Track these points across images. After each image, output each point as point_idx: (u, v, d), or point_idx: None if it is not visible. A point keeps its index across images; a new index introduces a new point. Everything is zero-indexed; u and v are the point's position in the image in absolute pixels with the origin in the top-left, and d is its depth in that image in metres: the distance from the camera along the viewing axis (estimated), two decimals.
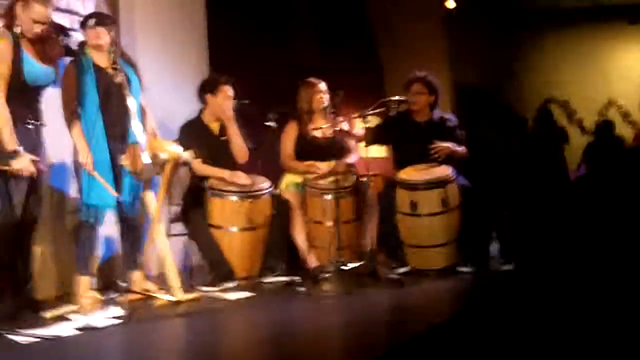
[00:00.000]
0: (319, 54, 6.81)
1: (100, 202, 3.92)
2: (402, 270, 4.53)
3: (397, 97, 4.73)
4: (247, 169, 4.63)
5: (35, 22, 3.59)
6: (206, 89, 4.62)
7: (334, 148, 4.57)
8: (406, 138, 4.83)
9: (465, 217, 4.60)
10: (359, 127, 4.59)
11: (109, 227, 4.19)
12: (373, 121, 4.78)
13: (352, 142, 4.96)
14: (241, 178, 4.49)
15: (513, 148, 6.18)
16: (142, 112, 4.05)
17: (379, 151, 5.51)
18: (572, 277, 4.27)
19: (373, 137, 4.89)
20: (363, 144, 4.64)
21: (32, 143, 3.64)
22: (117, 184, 3.87)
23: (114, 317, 3.44)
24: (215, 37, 5.68)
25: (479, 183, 4.78)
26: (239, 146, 4.59)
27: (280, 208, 4.56)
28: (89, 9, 4.61)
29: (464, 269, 4.55)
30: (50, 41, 3.70)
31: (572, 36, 8.78)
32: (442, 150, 4.66)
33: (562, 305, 3.55)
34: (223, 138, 4.62)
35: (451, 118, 4.95)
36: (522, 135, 6.66)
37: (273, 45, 6.29)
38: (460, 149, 4.76)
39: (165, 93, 5.02)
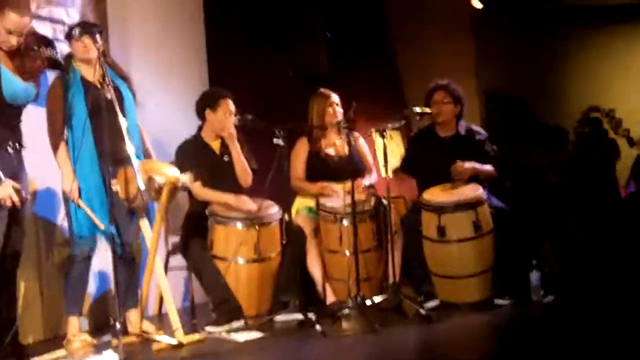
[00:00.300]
0: (331, 62, 6.85)
1: (89, 233, 3.97)
2: (430, 304, 4.54)
3: (418, 109, 4.78)
4: (253, 192, 4.66)
5: (10, 32, 3.60)
6: (205, 103, 4.68)
7: (349, 167, 4.57)
8: (430, 155, 4.89)
9: (500, 243, 4.62)
10: (377, 142, 4.61)
11: (101, 261, 4.23)
12: (394, 137, 4.79)
13: (370, 160, 5.02)
14: (247, 203, 4.53)
15: (552, 164, 6.18)
16: (136, 131, 4.11)
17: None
18: (623, 311, 4.22)
19: (401, 170, 5.02)
20: (382, 161, 4.68)
21: (13, 169, 3.69)
22: (109, 212, 3.85)
23: None
24: (214, 46, 5.75)
25: (515, 204, 4.79)
26: (243, 167, 4.65)
27: (292, 236, 4.59)
28: (74, 17, 4.67)
29: (500, 302, 4.56)
30: (30, 53, 3.73)
31: (616, 36, 8.75)
32: (464, 172, 4.68)
33: (611, 343, 3.50)
34: (225, 158, 4.68)
35: (479, 131, 5.00)
36: (562, 148, 6.65)
37: (279, 54, 6.33)
38: (486, 167, 4.79)
39: (161, 109, 5.10)
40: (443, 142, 4.93)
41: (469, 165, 4.70)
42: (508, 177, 5.13)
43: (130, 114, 4.05)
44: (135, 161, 3.74)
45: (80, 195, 3.94)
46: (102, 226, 3.90)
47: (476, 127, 5.07)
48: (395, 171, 5.06)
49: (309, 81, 5.98)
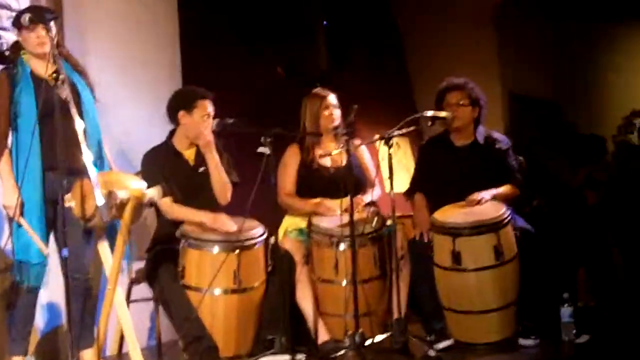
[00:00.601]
0: (329, 58, 6.87)
1: (36, 258, 3.96)
2: (442, 344, 4.54)
3: (430, 113, 4.80)
4: (233, 210, 4.64)
5: None
6: (179, 104, 4.67)
7: (348, 180, 4.55)
8: (444, 167, 4.93)
9: (525, 272, 4.62)
10: (382, 152, 4.63)
11: (52, 291, 4.26)
12: (401, 145, 4.80)
13: (372, 173, 5.04)
14: (225, 223, 4.51)
15: (588, 177, 6.21)
16: (96, 137, 4.12)
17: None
18: None
19: (411, 188, 5.07)
20: (387, 173, 4.67)
21: None
22: (59, 232, 3.87)
23: None
24: (190, 35, 5.75)
25: (544, 225, 4.82)
26: (221, 180, 4.64)
27: (279, 262, 4.57)
28: (24, 3, 4.67)
29: (526, 342, 4.55)
30: None
31: None
32: (479, 202, 4.72)
33: None
34: (201, 170, 4.67)
35: (501, 139, 5.02)
36: (600, 160, 6.66)
37: (267, 47, 6.35)
38: (506, 189, 4.80)
39: (125, 110, 5.10)
40: (458, 151, 4.96)
41: (486, 196, 4.72)
42: (536, 194, 5.09)
43: (88, 117, 4.05)
44: (93, 172, 3.72)
45: (22, 213, 3.94)
46: (45, 250, 3.91)
47: (498, 135, 5.08)
48: (406, 194, 5.11)
49: (302, 79, 6.03)
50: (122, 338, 4.62)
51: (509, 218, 4.64)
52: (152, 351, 4.76)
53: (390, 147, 4.56)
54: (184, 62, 5.66)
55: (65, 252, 3.74)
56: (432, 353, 4.28)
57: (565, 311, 4.58)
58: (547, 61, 8.09)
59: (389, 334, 4.41)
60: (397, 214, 4.63)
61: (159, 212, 4.62)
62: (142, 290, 4.67)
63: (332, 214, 4.73)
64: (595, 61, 8.78)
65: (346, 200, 4.51)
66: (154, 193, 4.05)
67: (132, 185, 3.93)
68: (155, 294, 4.56)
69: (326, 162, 4.98)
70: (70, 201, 3.84)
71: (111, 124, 4.46)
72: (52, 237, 4.09)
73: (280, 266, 4.56)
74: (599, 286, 5.57)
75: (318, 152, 4.96)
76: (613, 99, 8.65)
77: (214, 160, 4.62)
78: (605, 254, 5.77)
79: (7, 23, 4.44)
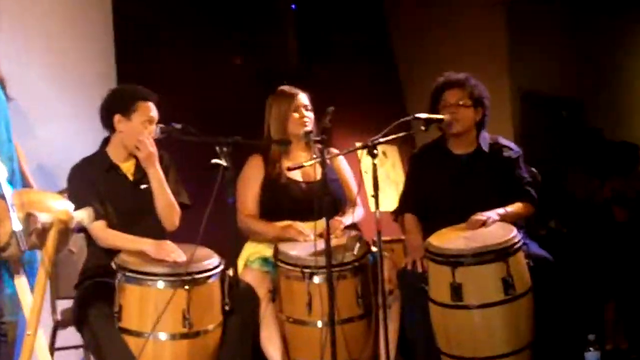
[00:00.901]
0: (298, 49, 6.87)
1: None
2: None
3: (424, 115, 4.81)
4: (182, 236, 4.63)
5: None
6: (115, 107, 4.66)
7: (324, 198, 4.49)
8: (440, 181, 4.97)
9: (542, 309, 4.60)
10: (365, 163, 4.62)
11: None
12: (388, 155, 4.79)
13: (353, 188, 5.06)
14: (172, 252, 4.45)
15: (617, 193, 6.23)
16: (9, 148, 4.09)
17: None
18: None
19: (401, 206, 5.10)
20: (371, 189, 4.63)
21: None
22: None
23: None
24: (125, 24, 5.76)
25: (563, 251, 4.86)
26: (167, 201, 4.64)
27: (239, 299, 4.50)
28: None
29: None
30: None
31: None
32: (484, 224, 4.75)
33: None
34: (143, 187, 4.67)
35: (510, 146, 5.07)
36: (632, 172, 6.68)
37: (224, 38, 6.39)
38: (511, 209, 4.83)
39: (48, 116, 5.09)
40: (458, 162, 5.00)
41: (493, 217, 4.75)
42: (553, 214, 5.08)
43: (0, 124, 4.04)
44: (8, 191, 3.71)
45: None
46: None
47: (506, 141, 5.11)
48: (394, 214, 5.13)
49: (268, 76, 6.04)
50: None
51: (520, 243, 4.62)
52: None
53: (374, 157, 4.55)
54: (119, 57, 5.70)
55: None
56: None
57: (591, 356, 4.61)
58: (568, 54, 8.13)
59: None
60: (384, 238, 4.63)
61: (89, 239, 4.59)
62: (70, 335, 4.62)
63: (304, 240, 4.76)
64: (624, 55, 8.84)
65: (321, 223, 4.48)
66: (83, 215, 4.03)
67: (56, 207, 3.91)
68: (85, 340, 4.47)
69: (296, 176, 4.98)
70: None
71: (34, 134, 4.40)
72: None
73: (240, 304, 4.51)
74: (632, 325, 5.55)
75: (286, 164, 4.95)
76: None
77: (157, 176, 4.61)
78: (637, 285, 5.75)
79: None
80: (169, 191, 4.63)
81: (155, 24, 6.03)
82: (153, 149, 4.57)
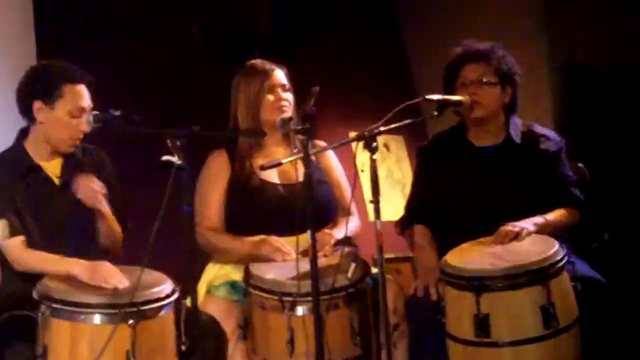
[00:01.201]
0: (272, 14, 6.90)
1: None
2: None
3: (437, 96, 4.76)
4: (125, 255, 4.69)
5: None
6: (34, 90, 4.64)
7: (308, 205, 4.36)
8: (458, 181, 4.98)
9: (592, 345, 4.48)
10: (361, 159, 4.52)
11: None
12: (392, 148, 4.58)
13: (346, 192, 5.07)
14: (111, 276, 4.39)
15: None
16: None
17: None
18: None
19: (408, 215, 5.12)
20: (369, 193, 4.58)
21: None
22: None
23: None
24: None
25: (620, 271, 4.83)
26: (112, 233, 4.71)
27: (200, 336, 4.40)
28: None
29: None
30: None
31: None
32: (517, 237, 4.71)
33: None
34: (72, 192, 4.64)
35: (549, 135, 5.08)
36: None
37: (177, 2, 6.40)
38: (552, 217, 4.80)
39: None
40: (481, 156, 5.02)
41: (528, 227, 4.69)
42: (607, 223, 4.89)
43: None
44: None
45: None
46: None
47: (542, 129, 5.11)
48: (400, 225, 5.13)
49: (234, 48, 6.05)
50: None
51: (564, 261, 4.48)
52: None
53: (374, 151, 4.42)
54: (39, 30, 5.69)
55: None
56: None
57: None
58: (619, 19, 8.04)
59: None
60: (387, 256, 4.58)
61: (3, 261, 4.56)
62: None
63: (283, 259, 4.72)
64: None
65: (305, 237, 4.35)
66: None
67: None
68: None
69: (272, 176, 4.96)
70: None
71: None
72: None
73: (201, 343, 4.39)
74: None
75: (259, 161, 4.90)
76: None
77: (107, 215, 4.64)
78: None
79: None
80: (115, 223, 4.68)
81: None
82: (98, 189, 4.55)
